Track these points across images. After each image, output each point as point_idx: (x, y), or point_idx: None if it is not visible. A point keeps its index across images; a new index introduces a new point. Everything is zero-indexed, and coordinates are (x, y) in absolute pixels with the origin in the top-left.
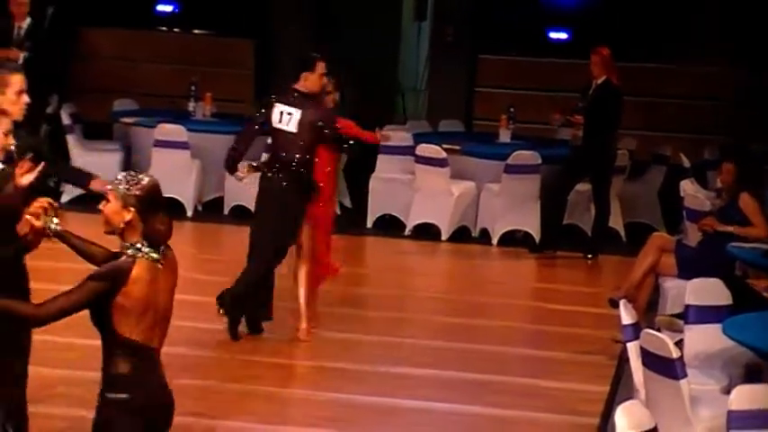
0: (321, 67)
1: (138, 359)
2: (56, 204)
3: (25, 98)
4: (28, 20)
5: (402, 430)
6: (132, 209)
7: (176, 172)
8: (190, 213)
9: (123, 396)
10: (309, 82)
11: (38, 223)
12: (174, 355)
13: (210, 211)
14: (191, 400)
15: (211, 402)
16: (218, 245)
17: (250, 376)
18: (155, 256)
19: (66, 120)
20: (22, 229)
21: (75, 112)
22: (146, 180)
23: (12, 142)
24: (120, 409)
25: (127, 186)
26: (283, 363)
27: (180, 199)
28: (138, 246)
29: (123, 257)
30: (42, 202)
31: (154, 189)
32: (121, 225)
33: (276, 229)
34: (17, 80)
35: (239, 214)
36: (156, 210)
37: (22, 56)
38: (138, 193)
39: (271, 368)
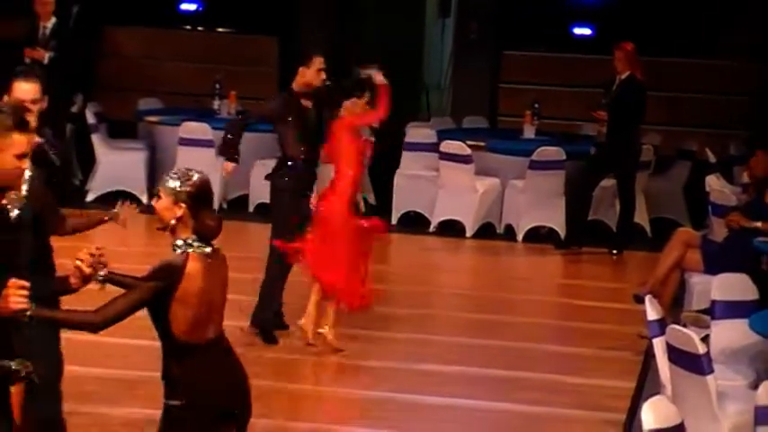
0: (318, 62)
1: (195, 360)
2: (101, 251)
3: (34, 107)
4: (53, 19)
5: (428, 427)
6: (183, 205)
7: (201, 169)
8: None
9: (178, 402)
10: (306, 78)
11: (88, 271)
12: None
13: (235, 208)
14: None
15: None
16: (243, 242)
17: (277, 373)
18: (206, 250)
19: (90, 119)
20: (73, 276)
21: (99, 111)
22: (195, 176)
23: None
24: (180, 416)
25: (177, 183)
26: (309, 360)
27: None
28: (189, 241)
29: (175, 253)
30: (90, 249)
31: (203, 185)
32: (173, 221)
33: (276, 230)
34: (22, 90)
35: (264, 212)
36: (205, 205)
37: (47, 55)
38: (188, 189)
39: (296, 365)
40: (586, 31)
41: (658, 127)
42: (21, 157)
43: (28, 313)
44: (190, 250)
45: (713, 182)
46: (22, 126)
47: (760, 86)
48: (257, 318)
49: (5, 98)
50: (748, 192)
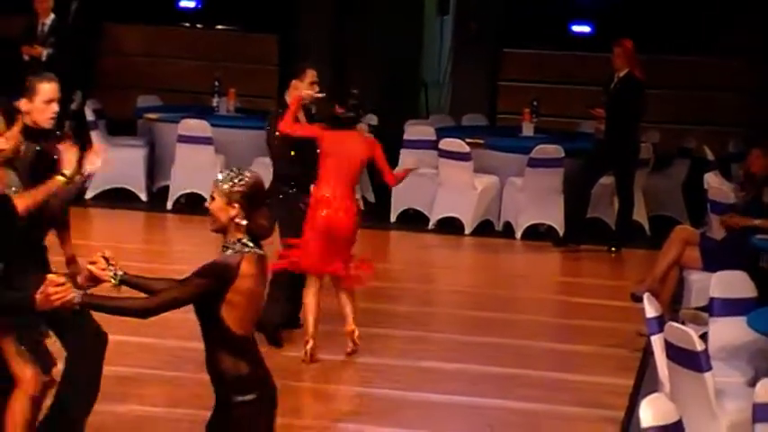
0: (311, 75)
1: (249, 355)
2: (112, 255)
3: (54, 107)
4: (52, 16)
5: (428, 424)
6: (237, 205)
7: (200, 167)
8: None
9: (251, 396)
10: (299, 90)
11: (102, 274)
12: (195, 349)
13: None
14: (211, 394)
15: None
16: None
17: (277, 370)
18: (260, 252)
19: (90, 116)
20: (82, 278)
21: (99, 108)
22: (248, 176)
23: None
24: (252, 409)
25: (230, 183)
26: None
27: (204, 194)
28: (244, 241)
29: (229, 253)
30: (103, 252)
31: (257, 184)
32: (227, 221)
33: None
34: (47, 89)
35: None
36: (259, 205)
37: (45, 52)
38: (241, 189)
39: (297, 362)
40: (585, 29)
41: (657, 124)
42: None
43: (76, 301)
44: (245, 251)
45: (712, 179)
46: None
47: (759, 84)
48: (260, 322)
49: (24, 101)
50: (745, 189)
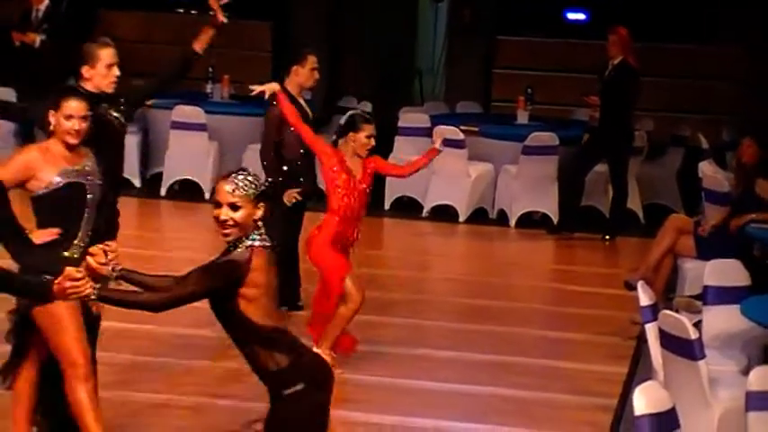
0: (312, 61)
1: (285, 344)
2: (114, 246)
3: (116, 71)
4: (46, 2)
5: (421, 411)
6: (262, 204)
7: (194, 154)
8: (207, 195)
9: (300, 387)
10: (300, 77)
11: (101, 268)
12: (200, 336)
13: None
14: (215, 382)
15: (237, 384)
16: None
17: None
18: (267, 243)
19: None
20: (85, 269)
21: None
22: (251, 172)
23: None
24: (303, 400)
25: (254, 186)
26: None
27: (198, 181)
28: (254, 236)
29: (239, 250)
30: (105, 244)
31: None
32: (252, 225)
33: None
34: (107, 54)
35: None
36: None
37: (38, 39)
38: (262, 187)
39: None
40: (580, 17)
41: (651, 113)
42: None
43: (93, 298)
44: (257, 245)
45: (706, 168)
46: None
47: (754, 73)
48: None
49: (86, 68)
50: (737, 179)
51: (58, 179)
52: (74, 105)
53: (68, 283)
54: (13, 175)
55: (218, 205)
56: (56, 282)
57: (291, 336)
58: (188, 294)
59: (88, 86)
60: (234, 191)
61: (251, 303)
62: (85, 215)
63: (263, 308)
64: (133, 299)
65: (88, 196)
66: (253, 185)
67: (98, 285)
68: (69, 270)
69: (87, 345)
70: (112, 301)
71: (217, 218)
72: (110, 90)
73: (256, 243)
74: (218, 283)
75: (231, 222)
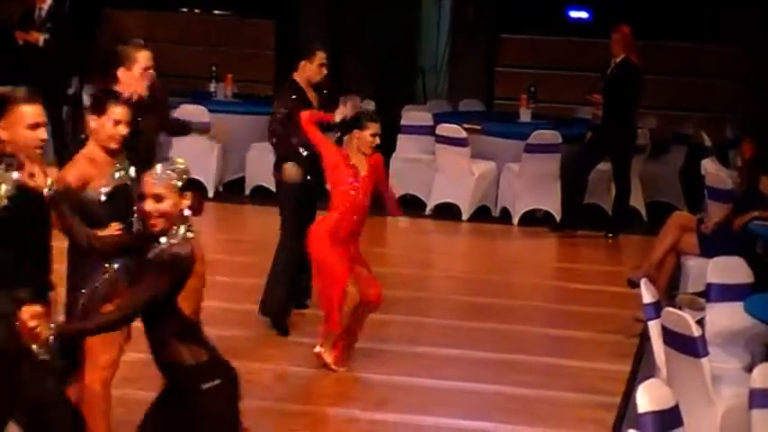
0: (320, 57)
1: (204, 340)
2: (46, 309)
3: (151, 75)
4: (49, 1)
5: (423, 409)
6: (188, 194)
7: (197, 153)
8: (211, 194)
9: (218, 382)
10: (308, 71)
11: (43, 333)
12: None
13: (231, 191)
14: None
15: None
16: (240, 225)
17: (275, 356)
18: (190, 234)
19: (87, 101)
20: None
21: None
22: (179, 161)
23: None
24: (219, 395)
25: (176, 176)
26: (307, 342)
27: (201, 180)
28: (186, 227)
29: (174, 242)
30: (33, 309)
31: (188, 171)
32: (178, 216)
33: (285, 219)
34: (144, 57)
35: (260, 195)
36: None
37: (42, 37)
38: (186, 177)
39: (296, 347)
40: (583, 15)
41: (654, 110)
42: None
43: (52, 337)
44: (189, 235)
45: (709, 166)
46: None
47: (756, 71)
48: (267, 306)
49: (122, 70)
50: (741, 176)
51: (106, 186)
52: (120, 111)
53: (28, 323)
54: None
55: (142, 197)
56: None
57: (202, 330)
58: (149, 298)
59: (121, 89)
60: (157, 182)
61: (188, 296)
62: (132, 218)
63: (195, 301)
64: (97, 323)
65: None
66: (175, 175)
67: (54, 325)
68: (27, 308)
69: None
70: (75, 335)
71: (141, 209)
72: (143, 93)
73: (189, 234)
74: (175, 279)
75: (156, 214)
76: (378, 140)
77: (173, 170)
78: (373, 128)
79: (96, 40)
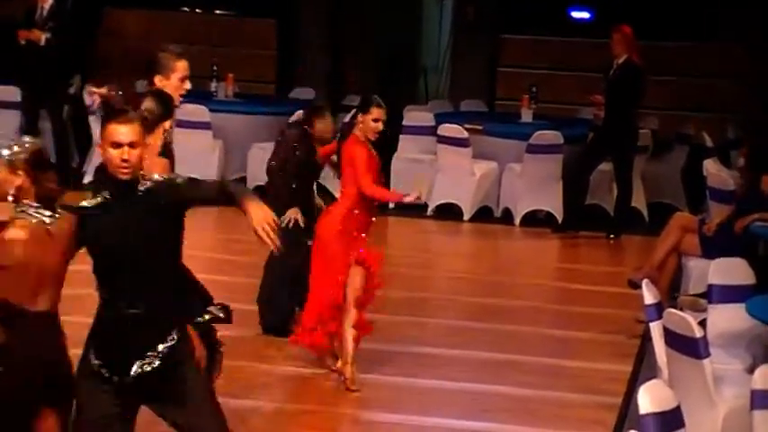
0: (377, 112)
1: (11, 324)
2: None
3: (188, 84)
4: (51, 0)
5: (426, 410)
6: (21, 172)
7: (199, 152)
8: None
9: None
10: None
11: None
12: None
13: None
14: (219, 379)
15: (240, 382)
16: (240, 225)
17: (277, 357)
18: (44, 217)
19: (88, 100)
20: None
21: None
22: (27, 142)
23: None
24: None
25: (9, 152)
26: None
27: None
28: (23, 208)
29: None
30: None
31: (38, 150)
32: (11, 192)
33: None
34: (183, 66)
35: (261, 194)
36: (43, 170)
37: (44, 37)
38: (23, 155)
39: (296, 347)
40: (584, 15)
41: (656, 111)
42: None
43: None
44: (20, 216)
45: (711, 166)
46: None
47: (758, 71)
48: (268, 322)
49: (159, 77)
50: (743, 176)
51: None
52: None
53: None
54: None
55: None
56: None
57: (33, 326)
58: None
59: None
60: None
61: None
62: None
63: (17, 285)
64: None
65: None
66: (6, 149)
67: None
68: None
69: None
70: None
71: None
72: (178, 103)
73: (21, 215)
74: None
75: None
76: (381, 126)
77: (11, 145)
78: (376, 113)
79: (96, 40)
